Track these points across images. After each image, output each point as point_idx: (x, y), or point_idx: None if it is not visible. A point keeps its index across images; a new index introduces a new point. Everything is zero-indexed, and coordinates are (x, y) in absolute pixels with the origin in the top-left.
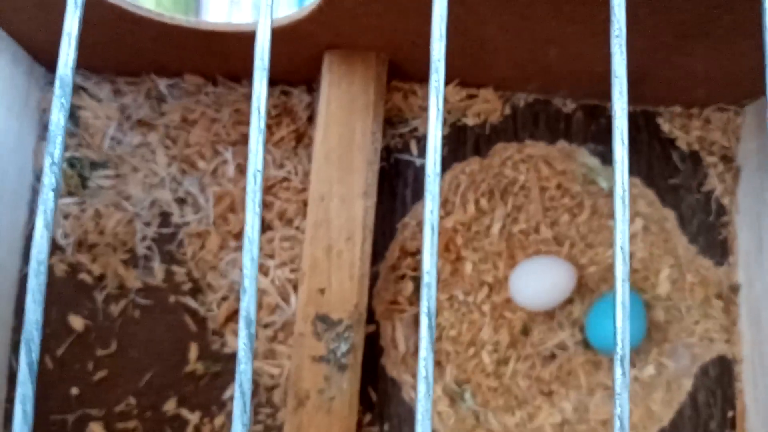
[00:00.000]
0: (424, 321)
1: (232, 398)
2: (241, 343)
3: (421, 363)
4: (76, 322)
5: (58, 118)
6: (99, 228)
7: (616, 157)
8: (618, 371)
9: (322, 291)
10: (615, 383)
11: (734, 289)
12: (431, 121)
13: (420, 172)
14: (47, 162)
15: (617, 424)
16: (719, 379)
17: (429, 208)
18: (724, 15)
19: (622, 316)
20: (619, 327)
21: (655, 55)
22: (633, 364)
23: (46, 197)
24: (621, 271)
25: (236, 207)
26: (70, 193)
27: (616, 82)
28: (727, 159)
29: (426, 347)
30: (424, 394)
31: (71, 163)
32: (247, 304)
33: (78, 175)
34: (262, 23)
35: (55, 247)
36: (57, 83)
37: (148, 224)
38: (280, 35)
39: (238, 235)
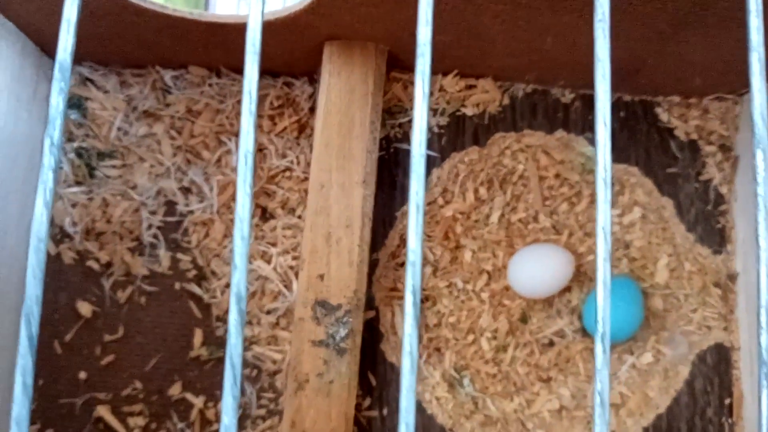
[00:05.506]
0: (408, 298)
1: None
2: (232, 318)
3: (406, 339)
4: (84, 308)
5: (57, 102)
6: (106, 216)
7: (598, 138)
8: (599, 347)
9: (321, 277)
10: (596, 359)
11: (732, 277)
12: (417, 104)
13: None
14: (47, 143)
15: (597, 399)
16: (716, 367)
17: (414, 189)
18: (719, 2)
19: (603, 293)
20: (600, 305)
21: (651, 44)
22: (631, 352)
23: (46, 177)
24: (603, 249)
25: None
26: (78, 183)
27: (599, 66)
28: (726, 148)
29: (410, 324)
30: (408, 369)
31: (79, 153)
32: (238, 281)
33: (86, 164)
34: (253, 9)
35: (63, 235)
36: (56, 68)
37: (153, 213)
38: (280, 27)
39: None
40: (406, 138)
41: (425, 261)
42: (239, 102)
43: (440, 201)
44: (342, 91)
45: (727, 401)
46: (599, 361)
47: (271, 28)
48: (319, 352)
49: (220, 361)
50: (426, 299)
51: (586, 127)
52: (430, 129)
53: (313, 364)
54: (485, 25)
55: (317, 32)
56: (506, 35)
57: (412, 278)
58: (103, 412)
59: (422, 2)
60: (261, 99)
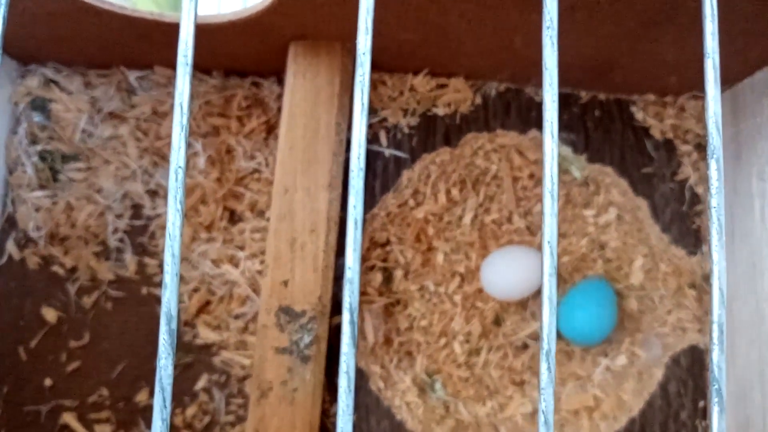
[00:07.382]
0: (345, 317)
1: (203, 389)
2: (162, 338)
3: (343, 359)
4: (50, 314)
5: None
6: (71, 221)
7: (545, 149)
8: (543, 366)
9: (285, 283)
10: (540, 377)
11: (707, 278)
12: (356, 116)
13: (389, 163)
14: None
15: (541, 418)
16: (690, 369)
17: (352, 203)
18: (688, 1)
19: (549, 310)
20: (545, 321)
21: (622, 42)
22: (605, 354)
23: None
24: (549, 265)
25: (207, 199)
26: (41, 186)
27: (546, 75)
28: (702, 147)
29: (348, 343)
30: (345, 389)
31: (42, 156)
32: (168, 299)
33: (49, 168)
34: (185, 19)
35: (27, 240)
36: None
37: (119, 216)
38: (244, 28)
39: (210, 227)
40: (376, 139)
41: (396, 264)
42: (206, 103)
43: (411, 203)
44: (307, 93)
45: (701, 404)
46: (544, 380)
47: (235, 28)
48: (282, 360)
49: (188, 366)
50: (397, 302)
51: (560, 126)
52: (400, 129)
53: (277, 371)
54: (452, 24)
55: (282, 32)
56: (474, 35)
57: (349, 296)
58: (69, 419)
59: (362, 10)
60: (229, 99)
